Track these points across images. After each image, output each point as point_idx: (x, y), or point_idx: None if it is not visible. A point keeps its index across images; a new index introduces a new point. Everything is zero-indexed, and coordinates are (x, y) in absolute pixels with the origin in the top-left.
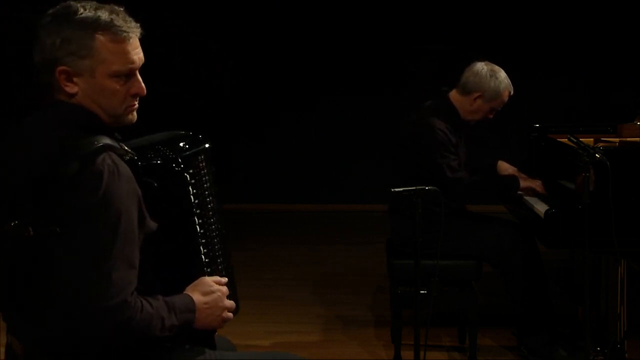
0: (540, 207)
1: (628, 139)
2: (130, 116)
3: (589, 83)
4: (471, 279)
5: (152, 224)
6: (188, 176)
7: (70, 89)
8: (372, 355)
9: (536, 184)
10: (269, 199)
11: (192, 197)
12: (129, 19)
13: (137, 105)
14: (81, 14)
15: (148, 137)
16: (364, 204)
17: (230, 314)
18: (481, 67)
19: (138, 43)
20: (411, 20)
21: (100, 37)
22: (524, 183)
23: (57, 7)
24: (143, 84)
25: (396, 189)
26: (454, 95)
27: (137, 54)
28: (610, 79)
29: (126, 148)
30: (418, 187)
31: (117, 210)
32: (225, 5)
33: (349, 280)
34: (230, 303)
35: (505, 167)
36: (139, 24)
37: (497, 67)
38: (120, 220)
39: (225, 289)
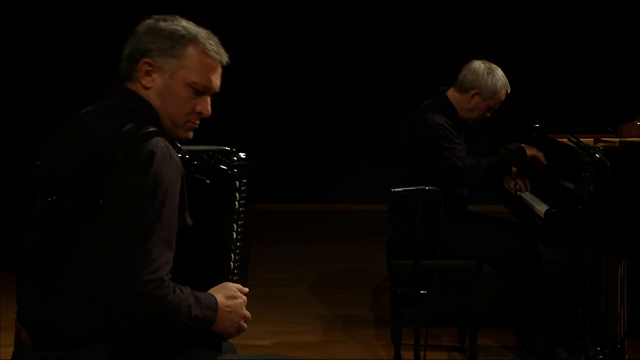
0: (540, 207)
1: (628, 139)
2: (187, 132)
3: (589, 83)
4: (471, 279)
5: (189, 220)
6: (237, 183)
7: (147, 82)
8: (372, 355)
9: (541, 154)
10: (269, 199)
11: (236, 203)
12: (221, 46)
13: (197, 125)
14: (183, 24)
15: (199, 147)
16: (364, 204)
17: (246, 325)
18: (478, 65)
19: (221, 71)
20: (412, 20)
21: (192, 47)
22: (530, 151)
23: (164, 15)
24: (210, 108)
25: (396, 189)
26: (451, 93)
27: (217, 79)
28: (611, 79)
29: (179, 145)
30: (418, 187)
31: (164, 191)
32: (228, 6)
33: (349, 280)
34: (248, 313)
35: None
36: (228, 55)
37: (494, 66)
38: (166, 201)
39: (245, 298)
